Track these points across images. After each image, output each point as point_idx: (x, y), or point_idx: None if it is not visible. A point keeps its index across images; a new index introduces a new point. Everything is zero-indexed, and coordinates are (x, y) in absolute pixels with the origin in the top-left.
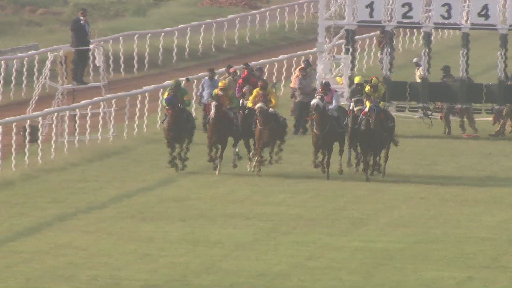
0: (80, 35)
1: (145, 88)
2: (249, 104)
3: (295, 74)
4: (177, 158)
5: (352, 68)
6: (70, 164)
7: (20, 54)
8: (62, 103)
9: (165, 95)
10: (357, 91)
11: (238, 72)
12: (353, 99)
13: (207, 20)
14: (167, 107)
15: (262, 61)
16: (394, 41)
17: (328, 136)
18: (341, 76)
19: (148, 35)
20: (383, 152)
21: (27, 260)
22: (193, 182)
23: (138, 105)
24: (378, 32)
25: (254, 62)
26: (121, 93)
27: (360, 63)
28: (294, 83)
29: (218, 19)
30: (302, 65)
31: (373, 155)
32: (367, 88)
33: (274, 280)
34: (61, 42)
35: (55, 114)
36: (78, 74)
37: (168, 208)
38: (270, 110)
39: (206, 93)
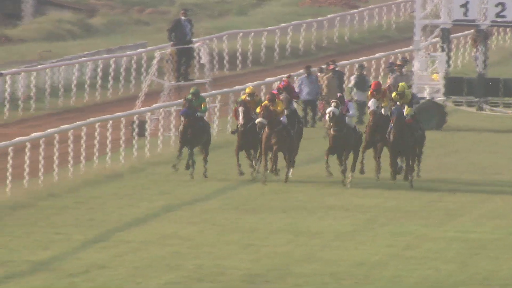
0: (180, 35)
1: (248, 84)
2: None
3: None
4: (180, 162)
5: (447, 65)
6: (174, 157)
7: (128, 52)
8: (169, 99)
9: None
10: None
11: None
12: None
13: (308, 19)
14: (183, 119)
15: (360, 58)
16: (489, 40)
17: (345, 138)
18: (436, 73)
19: (251, 33)
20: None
21: (135, 250)
22: (294, 175)
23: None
24: (473, 30)
25: (352, 60)
26: (225, 89)
27: (455, 60)
28: (390, 80)
29: (318, 18)
30: (399, 62)
31: (406, 159)
32: (394, 94)
33: (372, 269)
34: (167, 41)
35: (162, 110)
36: (181, 71)
37: (270, 200)
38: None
39: (304, 90)
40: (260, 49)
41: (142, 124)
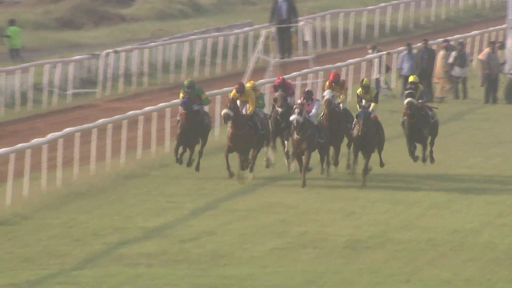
0: (278, 14)
1: (349, 61)
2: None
3: (486, 49)
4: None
5: None
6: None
7: (236, 31)
8: (274, 75)
9: (180, 96)
10: (409, 88)
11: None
12: (405, 92)
13: None
14: (182, 109)
15: (456, 36)
16: None
17: (307, 141)
18: None
19: (352, 12)
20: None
21: (242, 217)
22: (393, 147)
23: (343, 77)
24: None
25: (449, 37)
26: (328, 66)
27: None
28: (482, 56)
29: None
30: (493, 40)
31: (366, 158)
32: (359, 90)
33: (467, 236)
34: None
35: (267, 85)
36: (284, 49)
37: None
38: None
39: (405, 66)
40: (361, 27)
41: None
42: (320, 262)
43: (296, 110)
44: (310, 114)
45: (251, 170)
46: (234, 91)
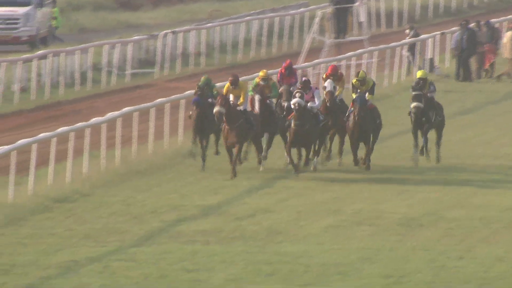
0: None
1: (403, 41)
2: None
3: None
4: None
5: None
6: None
7: (291, 11)
8: (329, 55)
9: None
10: (418, 87)
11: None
12: (412, 94)
13: None
14: (194, 107)
15: (509, 16)
16: None
17: (306, 134)
18: None
19: None
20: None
21: (298, 195)
22: (450, 127)
23: (396, 57)
24: None
25: (502, 18)
26: (382, 46)
27: None
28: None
29: None
30: None
31: (366, 146)
32: (354, 80)
33: None
34: (327, 0)
35: (322, 65)
36: (339, 29)
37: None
38: (239, 107)
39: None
40: (415, 8)
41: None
42: (374, 239)
43: (297, 94)
44: (313, 105)
45: (261, 162)
46: (228, 83)
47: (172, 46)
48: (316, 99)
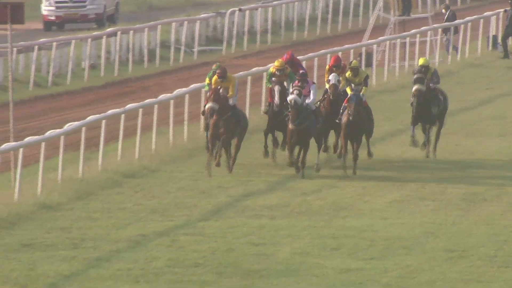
0: None
1: (467, 18)
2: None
3: None
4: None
5: None
6: (400, 86)
7: None
8: (394, 32)
9: (206, 81)
10: (419, 71)
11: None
12: (414, 77)
13: None
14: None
15: None
16: None
17: (305, 132)
18: None
19: None
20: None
21: (362, 171)
22: (508, 102)
23: (460, 34)
24: None
25: None
26: (445, 24)
27: None
28: None
29: None
30: None
31: (355, 145)
32: (348, 73)
33: None
34: None
35: (387, 42)
36: (405, 6)
37: (487, 125)
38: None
39: None
40: None
41: (369, 55)
42: (438, 214)
43: (295, 91)
44: (308, 101)
45: (230, 167)
46: (215, 76)
47: (238, 24)
48: (312, 94)
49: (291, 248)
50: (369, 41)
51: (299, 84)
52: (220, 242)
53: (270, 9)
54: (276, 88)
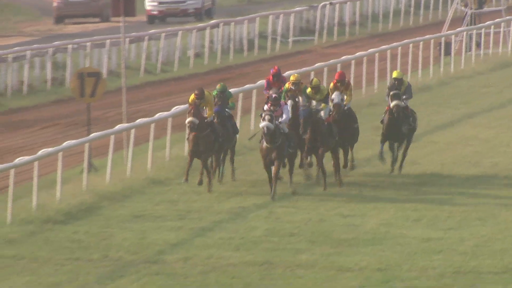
0: None
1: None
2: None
3: None
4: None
5: None
6: (476, 73)
7: None
8: (470, 24)
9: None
10: (394, 87)
11: None
12: (391, 93)
13: None
14: (214, 118)
15: None
16: None
17: (279, 149)
18: None
19: None
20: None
21: (441, 150)
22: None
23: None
24: None
25: None
26: None
27: None
28: None
29: None
30: None
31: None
32: (308, 90)
33: None
34: None
35: (464, 33)
36: (480, 0)
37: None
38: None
39: None
40: None
41: (448, 45)
42: (510, 188)
43: (267, 117)
44: (281, 121)
45: (220, 177)
46: (192, 95)
47: (329, 16)
48: (284, 114)
49: (377, 219)
50: (448, 32)
51: (271, 107)
52: (313, 213)
53: (358, 2)
54: (289, 102)
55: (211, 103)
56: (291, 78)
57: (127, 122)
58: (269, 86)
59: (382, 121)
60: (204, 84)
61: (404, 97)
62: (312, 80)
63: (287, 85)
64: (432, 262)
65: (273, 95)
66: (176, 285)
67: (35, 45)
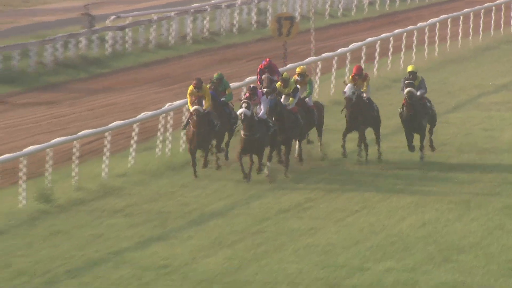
0: None
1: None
2: (188, 105)
3: None
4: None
5: None
6: None
7: None
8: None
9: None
10: (408, 79)
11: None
12: (405, 82)
13: None
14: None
15: None
16: None
17: (258, 141)
18: None
19: None
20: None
21: None
22: None
23: None
24: None
25: None
26: None
27: None
28: None
29: None
30: None
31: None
32: (278, 83)
33: None
34: None
35: None
36: None
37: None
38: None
39: None
40: None
41: None
42: None
43: (244, 105)
44: (259, 114)
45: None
46: (191, 86)
47: None
48: (262, 106)
49: None
50: None
51: (248, 96)
52: (461, 128)
53: None
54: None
55: (209, 94)
56: (297, 69)
57: (315, 56)
58: (261, 75)
59: (401, 115)
60: (376, 26)
61: (419, 92)
62: (283, 73)
63: (294, 77)
64: None
65: (251, 85)
66: None
67: None
